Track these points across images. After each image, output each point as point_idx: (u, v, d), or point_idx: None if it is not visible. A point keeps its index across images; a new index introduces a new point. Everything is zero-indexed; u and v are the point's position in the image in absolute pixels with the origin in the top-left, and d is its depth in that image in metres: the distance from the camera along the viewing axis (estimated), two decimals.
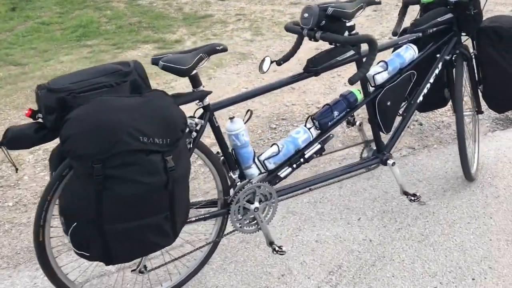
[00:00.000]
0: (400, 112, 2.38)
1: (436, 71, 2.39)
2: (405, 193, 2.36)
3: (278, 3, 8.44)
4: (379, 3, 2.08)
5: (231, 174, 1.96)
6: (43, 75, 5.14)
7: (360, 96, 2.17)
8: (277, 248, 2.01)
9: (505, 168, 2.79)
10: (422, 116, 3.48)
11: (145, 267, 1.86)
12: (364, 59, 2.02)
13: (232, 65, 5.13)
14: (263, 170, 2.04)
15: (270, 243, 2.05)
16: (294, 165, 2.10)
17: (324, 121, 2.10)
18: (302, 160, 2.11)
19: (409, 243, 2.27)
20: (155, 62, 1.70)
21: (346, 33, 2.04)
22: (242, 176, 1.99)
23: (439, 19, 2.30)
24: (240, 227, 2.02)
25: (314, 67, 2.01)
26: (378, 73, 2.18)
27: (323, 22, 1.93)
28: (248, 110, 1.98)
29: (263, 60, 2.02)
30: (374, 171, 2.66)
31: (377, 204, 2.56)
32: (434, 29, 2.31)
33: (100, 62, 5.41)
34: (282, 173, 2.08)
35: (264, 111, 3.78)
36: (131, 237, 1.46)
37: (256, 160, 2.01)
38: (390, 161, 2.29)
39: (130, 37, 6.67)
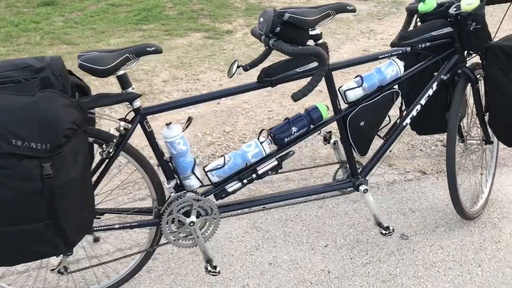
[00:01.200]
0: (382, 134, 2.12)
1: (430, 92, 2.09)
2: (378, 224, 2.11)
3: None
4: (353, 11, 1.83)
5: (165, 183, 1.85)
6: None
7: (326, 113, 1.95)
8: (209, 268, 1.88)
9: None
10: None
11: (65, 268, 1.81)
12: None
13: (268, 60, 4.95)
14: (206, 182, 1.90)
15: (207, 261, 1.92)
16: (245, 180, 1.93)
17: (280, 137, 1.91)
18: (254, 175, 1.94)
19: (371, 281, 2.02)
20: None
21: (312, 42, 1.83)
22: (181, 187, 1.87)
23: (433, 33, 1.99)
24: (175, 240, 1.90)
25: (267, 77, 1.83)
26: (351, 89, 1.95)
27: (278, 28, 1.74)
28: (189, 118, 1.84)
29: (232, 63, 1.88)
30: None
31: (353, 232, 2.32)
32: (428, 44, 2.01)
33: None
34: (230, 188, 1.93)
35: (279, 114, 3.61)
36: (5, 243, 1.41)
37: (197, 171, 1.87)
38: (362, 187, 2.05)
39: (186, 24, 6.71)
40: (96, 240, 2.18)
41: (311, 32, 1.81)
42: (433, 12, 2.02)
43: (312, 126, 1.95)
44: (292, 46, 1.68)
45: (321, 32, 1.84)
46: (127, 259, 1.94)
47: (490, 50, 2.02)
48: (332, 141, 2.10)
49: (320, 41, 1.84)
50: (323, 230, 2.33)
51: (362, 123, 1.98)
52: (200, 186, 1.91)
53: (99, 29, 6.49)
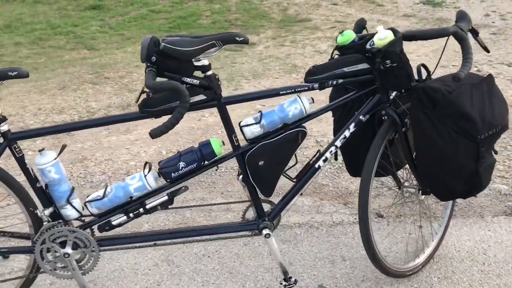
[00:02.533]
0: (294, 176, 1.92)
1: (346, 133, 1.86)
2: (284, 273, 1.93)
3: (390, 14, 7.74)
4: (243, 42, 1.66)
5: (38, 211, 1.78)
6: (95, 63, 5.43)
7: (219, 149, 1.79)
8: None
9: (470, 271, 2.10)
10: None
11: None
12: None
13: (272, 77, 4.81)
14: (87, 213, 1.81)
15: None
16: (131, 214, 1.83)
17: (167, 171, 1.78)
18: (142, 210, 1.83)
19: None
20: None
21: (200, 73, 1.69)
22: (59, 215, 1.80)
23: (345, 69, 1.77)
24: (51, 270, 1.83)
25: (148, 108, 1.71)
26: (248, 125, 1.78)
27: (154, 58, 1.61)
28: (63, 145, 1.77)
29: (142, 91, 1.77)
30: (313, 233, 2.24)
31: (267, 277, 2.13)
32: (340, 81, 1.79)
33: None
34: (114, 220, 1.83)
35: None
36: None
37: (75, 201, 1.79)
38: (265, 231, 1.87)
39: (223, 31, 6.69)
40: None
41: (196, 63, 1.67)
42: (351, 46, 1.80)
43: (206, 162, 1.80)
44: (153, 79, 1.55)
45: (210, 64, 1.70)
46: (7, 283, 1.89)
47: (415, 92, 1.76)
48: (240, 177, 1.93)
49: (209, 73, 1.69)
50: (236, 271, 2.16)
51: (261, 163, 1.80)
52: (80, 217, 1.82)
53: (127, 35, 6.65)
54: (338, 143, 1.87)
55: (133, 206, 1.82)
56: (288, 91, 1.78)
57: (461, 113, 1.67)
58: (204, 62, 1.68)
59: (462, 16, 1.74)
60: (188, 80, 1.68)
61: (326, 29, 6.82)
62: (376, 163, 1.85)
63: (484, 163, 1.75)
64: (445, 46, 1.79)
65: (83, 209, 1.82)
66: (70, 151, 3.28)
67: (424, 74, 1.84)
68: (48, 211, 1.79)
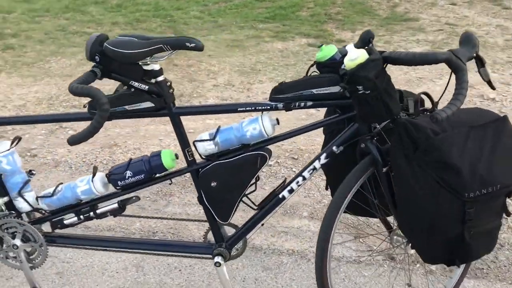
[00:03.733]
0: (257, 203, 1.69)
1: (316, 164, 1.58)
2: None
3: None
4: (196, 48, 1.45)
5: None
6: None
7: (170, 163, 1.63)
8: None
9: None
10: None
11: None
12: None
13: None
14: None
15: None
16: (82, 216, 1.76)
17: (114, 178, 1.67)
18: (92, 214, 1.75)
19: None
20: None
21: (153, 78, 1.54)
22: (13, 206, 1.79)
23: (314, 91, 1.48)
24: (2, 257, 1.84)
25: (94, 110, 1.60)
26: (202, 140, 1.59)
27: (97, 57, 1.50)
28: (16, 137, 1.73)
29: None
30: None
31: None
32: (309, 103, 1.51)
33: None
34: (66, 220, 1.77)
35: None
36: None
37: (28, 194, 1.76)
38: (216, 259, 1.69)
39: (304, 28, 6.47)
40: None
41: (145, 67, 1.52)
42: (327, 64, 1.51)
43: (151, 174, 1.66)
44: (82, 82, 1.42)
45: (161, 69, 1.53)
46: None
47: (397, 128, 1.43)
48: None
49: (160, 79, 1.53)
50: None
51: (213, 184, 1.61)
52: (32, 210, 1.79)
53: (220, 23, 6.67)
54: (307, 174, 1.60)
55: (84, 208, 1.75)
56: (247, 108, 1.55)
57: (445, 162, 1.32)
58: (154, 66, 1.52)
59: (466, 40, 1.36)
60: (136, 84, 1.53)
61: (430, 32, 6.21)
62: (344, 204, 1.55)
63: (474, 228, 1.37)
64: (450, 76, 1.41)
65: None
66: (107, 136, 3.34)
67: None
68: (2, 201, 1.78)
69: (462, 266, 1.81)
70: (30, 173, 1.86)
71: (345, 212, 1.75)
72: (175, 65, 4.77)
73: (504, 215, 1.48)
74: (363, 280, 2.02)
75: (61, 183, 1.76)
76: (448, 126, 1.35)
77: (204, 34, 6.14)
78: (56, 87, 4.31)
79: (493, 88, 1.40)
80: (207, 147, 1.58)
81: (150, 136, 3.35)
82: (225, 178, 1.60)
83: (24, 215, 1.82)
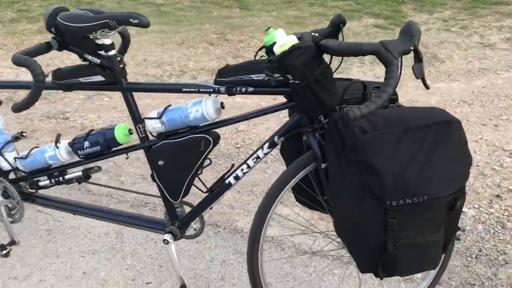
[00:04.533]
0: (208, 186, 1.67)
1: (259, 153, 1.52)
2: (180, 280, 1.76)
3: None
4: (140, 25, 1.43)
5: None
6: (232, 23, 5.47)
7: (124, 138, 1.66)
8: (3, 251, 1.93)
9: None
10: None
11: None
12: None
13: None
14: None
15: (10, 243, 1.97)
16: (53, 180, 1.86)
17: (74, 147, 1.73)
18: (61, 179, 1.84)
19: None
20: None
21: (105, 52, 1.56)
22: None
23: (253, 76, 1.40)
24: None
25: (57, 80, 1.66)
26: (150, 118, 1.59)
27: (53, 29, 1.54)
28: None
29: None
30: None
31: (189, 274, 1.95)
32: (250, 89, 1.44)
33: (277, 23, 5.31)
34: (41, 182, 1.89)
35: None
36: None
37: (8, 154, 1.89)
38: (166, 236, 1.71)
39: (378, 7, 6.18)
40: None
41: (97, 41, 1.54)
42: (272, 48, 1.42)
43: (106, 147, 1.70)
44: (24, 54, 1.48)
45: (112, 43, 1.55)
46: None
47: (329, 122, 1.32)
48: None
49: (111, 53, 1.55)
50: (166, 267, 2.03)
51: (161, 162, 1.61)
52: (14, 170, 1.92)
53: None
54: (251, 162, 1.55)
55: (54, 172, 1.84)
56: (191, 89, 1.52)
57: (367, 164, 1.20)
58: (105, 41, 1.54)
59: (405, 31, 1.21)
60: (89, 57, 1.56)
61: None
62: (279, 197, 1.48)
63: (401, 240, 1.25)
64: (400, 65, 1.26)
65: None
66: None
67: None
68: None
69: (430, 276, 1.67)
70: (21, 134, 1.99)
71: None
72: (226, 40, 4.78)
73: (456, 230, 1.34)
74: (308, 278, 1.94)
75: (36, 147, 1.86)
76: (383, 124, 1.22)
77: (269, 9, 6.07)
78: None
79: (427, 87, 1.24)
80: (154, 125, 1.58)
81: None
82: (172, 158, 1.59)
83: (12, 174, 1.95)
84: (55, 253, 2.12)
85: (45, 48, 1.56)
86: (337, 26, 1.48)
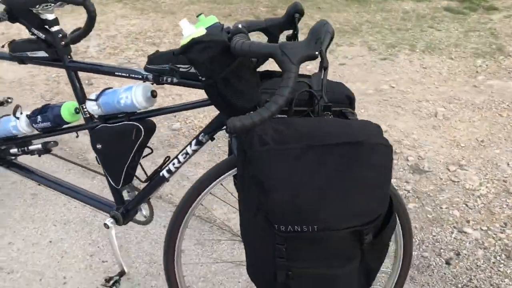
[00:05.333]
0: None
1: (188, 149, 1.41)
2: (119, 273, 1.73)
3: None
4: (74, 2, 1.36)
5: None
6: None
7: (68, 116, 1.62)
8: None
9: None
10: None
11: None
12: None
13: (445, 55, 3.82)
14: None
15: None
16: (19, 149, 1.89)
17: (31, 120, 1.73)
18: (26, 148, 1.87)
19: None
20: None
21: (49, 28, 1.52)
22: None
23: (179, 66, 1.28)
24: None
25: (11, 52, 1.65)
26: (89, 100, 1.54)
27: (1, 1, 1.52)
28: None
29: None
30: None
31: (137, 265, 1.92)
32: (175, 80, 1.31)
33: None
34: (11, 149, 1.93)
35: None
36: None
37: None
38: (107, 220, 1.68)
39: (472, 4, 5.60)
40: None
41: (41, 16, 1.50)
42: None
43: (54, 125, 1.67)
44: None
45: (55, 18, 1.49)
46: None
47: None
48: None
49: (54, 29, 1.50)
50: (126, 249, 2.01)
51: (99, 146, 1.56)
52: None
53: None
54: (181, 157, 1.45)
55: (20, 142, 1.87)
56: (123, 74, 1.43)
57: (258, 181, 1.06)
58: (48, 16, 1.49)
59: (314, 32, 1.02)
60: (35, 32, 1.53)
61: None
62: (197, 201, 1.37)
63: (295, 269, 1.09)
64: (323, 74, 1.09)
65: None
66: None
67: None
68: None
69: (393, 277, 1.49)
70: (6, 100, 2.04)
71: None
72: (274, 15, 4.59)
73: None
74: None
75: (7, 115, 1.89)
76: (290, 137, 1.06)
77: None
78: (151, 23, 4.53)
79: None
80: (92, 107, 1.52)
81: None
82: (108, 143, 1.54)
83: None
84: (31, 218, 2.18)
85: None
86: (291, 16, 1.31)
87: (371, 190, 1.04)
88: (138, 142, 1.47)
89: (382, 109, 3.04)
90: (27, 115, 1.75)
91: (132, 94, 1.41)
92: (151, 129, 1.48)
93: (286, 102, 0.97)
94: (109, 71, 1.48)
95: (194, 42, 1.10)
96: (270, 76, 1.38)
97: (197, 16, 1.25)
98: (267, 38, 1.39)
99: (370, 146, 1.04)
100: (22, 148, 1.87)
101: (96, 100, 1.50)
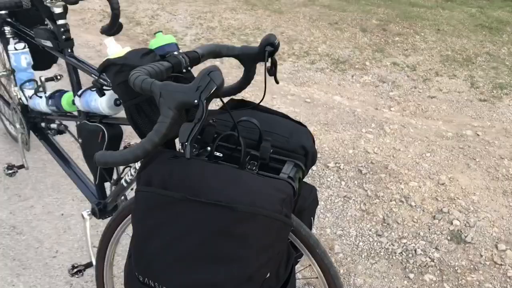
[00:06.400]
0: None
1: (137, 165, 1.37)
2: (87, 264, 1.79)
3: None
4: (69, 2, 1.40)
5: None
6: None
7: (67, 106, 1.70)
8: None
9: None
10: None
11: None
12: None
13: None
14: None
15: (19, 166, 2.26)
16: (46, 125, 2.05)
17: (48, 100, 1.84)
18: (49, 125, 2.03)
19: None
20: None
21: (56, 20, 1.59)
22: None
23: None
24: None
25: (35, 37, 1.76)
26: (77, 94, 1.58)
27: None
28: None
29: None
30: None
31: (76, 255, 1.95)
32: None
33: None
34: (40, 123, 2.10)
35: None
36: None
37: (26, 91, 2.12)
38: (84, 211, 1.75)
39: None
40: None
41: (51, 9, 1.58)
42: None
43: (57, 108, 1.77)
44: None
45: (62, 13, 1.56)
46: None
47: None
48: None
49: (59, 22, 1.57)
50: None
51: (80, 140, 1.61)
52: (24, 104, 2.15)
53: None
54: (132, 171, 1.42)
55: (46, 119, 2.02)
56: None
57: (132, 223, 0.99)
58: (55, 9, 1.56)
59: (199, 77, 0.90)
60: (47, 22, 1.62)
61: None
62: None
63: None
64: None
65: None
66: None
67: None
68: (16, 88, 2.20)
69: None
70: (55, 77, 2.21)
71: None
72: (383, 30, 4.30)
73: None
74: None
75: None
76: (171, 185, 0.98)
77: (472, 5, 5.19)
78: (254, 20, 4.50)
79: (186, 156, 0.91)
80: (77, 102, 1.57)
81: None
82: (83, 139, 1.58)
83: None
84: (58, 188, 2.34)
85: (17, 5, 1.67)
86: (263, 47, 1.21)
87: (229, 263, 0.91)
88: (104, 146, 1.48)
89: (452, 157, 2.67)
90: (46, 95, 1.86)
91: (98, 99, 1.41)
92: (116, 135, 1.48)
93: (154, 147, 0.89)
94: (91, 71, 1.50)
95: (109, 63, 1.06)
96: (243, 105, 1.29)
97: (154, 34, 1.21)
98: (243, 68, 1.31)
99: (246, 215, 0.90)
100: (47, 125, 2.01)
101: (79, 96, 1.53)
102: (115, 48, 1.11)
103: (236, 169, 1.04)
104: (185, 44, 3.94)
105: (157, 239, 0.94)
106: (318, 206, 2.25)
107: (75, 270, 1.74)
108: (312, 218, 1.34)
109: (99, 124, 1.48)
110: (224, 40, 4.02)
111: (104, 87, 1.19)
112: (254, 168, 1.08)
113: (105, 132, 1.45)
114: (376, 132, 2.88)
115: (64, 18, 1.57)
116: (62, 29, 1.56)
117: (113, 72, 1.06)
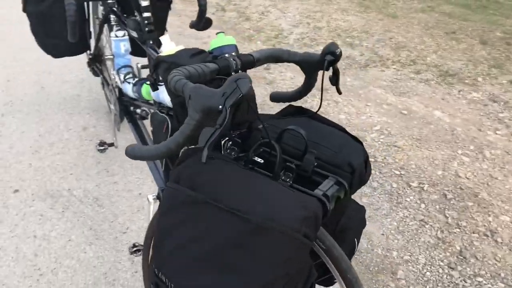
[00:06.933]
0: None
1: None
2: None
3: None
4: None
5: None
6: None
7: (146, 95, 1.80)
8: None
9: None
10: None
11: None
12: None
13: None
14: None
15: (110, 144, 2.45)
16: (132, 109, 2.20)
17: (133, 87, 1.97)
18: (136, 110, 2.17)
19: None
20: None
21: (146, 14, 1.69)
22: None
23: None
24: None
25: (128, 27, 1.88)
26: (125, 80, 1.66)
27: None
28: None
29: None
30: None
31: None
32: None
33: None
34: (129, 108, 2.25)
35: None
36: None
37: (122, 75, 2.27)
38: (151, 194, 1.84)
39: None
40: None
41: (139, 2, 1.67)
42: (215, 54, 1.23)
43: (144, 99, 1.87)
44: None
45: (147, 6, 1.65)
46: None
47: None
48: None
49: (144, 15, 1.66)
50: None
51: (151, 128, 1.69)
52: (116, 86, 2.30)
53: None
54: None
55: (135, 104, 2.16)
56: None
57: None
58: (143, 3, 1.66)
59: (226, 84, 0.87)
60: (136, 13, 1.73)
61: None
62: None
63: None
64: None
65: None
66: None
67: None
68: (114, 72, 2.37)
69: None
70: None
71: None
72: (507, 44, 3.89)
73: None
74: None
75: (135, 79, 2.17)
76: (197, 185, 0.99)
77: None
78: (364, 22, 4.35)
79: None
80: (151, 92, 1.65)
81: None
82: (154, 128, 1.65)
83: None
84: (142, 169, 2.49)
85: None
86: (323, 55, 1.18)
87: (239, 274, 0.89)
88: (168, 137, 1.53)
89: None
90: (133, 82, 1.99)
91: (164, 92, 1.47)
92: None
93: (178, 147, 0.90)
94: None
95: (160, 60, 1.09)
96: (300, 113, 1.27)
97: (216, 34, 1.22)
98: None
99: (259, 228, 0.88)
100: (135, 109, 2.15)
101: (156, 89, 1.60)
102: (168, 46, 1.14)
103: (268, 178, 1.02)
104: (288, 43, 3.93)
105: (174, 238, 0.95)
106: (389, 227, 2.12)
107: (134, 249, 1.83)
108: (356, 239, 1.27)
109: (165, 116, 1.53)
110: (329, 40, 3.94)
111: (159, 82, 1.23)
112: (288, 179, 1.05)
113: (169, 124, 1.50)
114: (474, 155, 2.63)
115: (150, 11, 1.65)
116: (146, 21, 1.65)
117: (163, 69, 1.09)
